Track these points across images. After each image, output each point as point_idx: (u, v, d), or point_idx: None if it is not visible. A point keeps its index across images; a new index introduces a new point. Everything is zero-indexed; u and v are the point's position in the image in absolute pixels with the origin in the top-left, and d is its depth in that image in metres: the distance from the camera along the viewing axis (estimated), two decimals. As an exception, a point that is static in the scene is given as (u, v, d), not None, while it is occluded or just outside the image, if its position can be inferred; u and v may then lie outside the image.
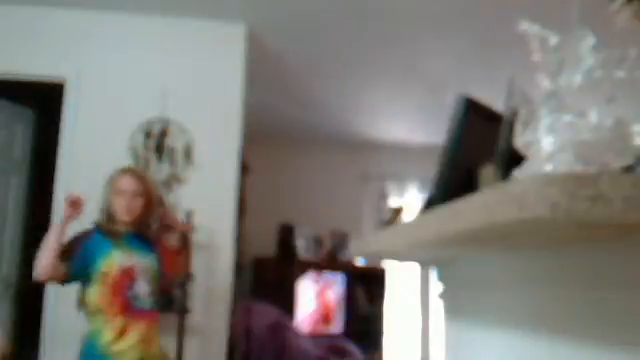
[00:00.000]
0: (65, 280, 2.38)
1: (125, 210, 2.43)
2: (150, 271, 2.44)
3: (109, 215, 2.45)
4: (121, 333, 2.33)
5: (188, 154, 3.33)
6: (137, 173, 2.58)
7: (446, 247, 1.08)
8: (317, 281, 5.43)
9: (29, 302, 3.70)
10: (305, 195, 5.80)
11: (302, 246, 5.52)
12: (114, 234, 2.43)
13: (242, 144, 3.48)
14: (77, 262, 2.36)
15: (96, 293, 2.35)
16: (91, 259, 2.36)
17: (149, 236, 2.52)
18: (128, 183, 2.45)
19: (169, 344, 2.90)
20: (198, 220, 3.11)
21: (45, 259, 2.27)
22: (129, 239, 2.45)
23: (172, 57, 3.45)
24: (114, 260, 2.37)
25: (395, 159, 5.94)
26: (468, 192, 0.81)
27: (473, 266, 1.41)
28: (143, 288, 2.40)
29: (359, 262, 5.48)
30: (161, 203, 2.71)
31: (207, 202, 3.27)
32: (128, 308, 2.36)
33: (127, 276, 2.37)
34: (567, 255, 0.95)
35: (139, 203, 2.46)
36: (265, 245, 5.47)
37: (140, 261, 2.42)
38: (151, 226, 2.53)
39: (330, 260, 5.57)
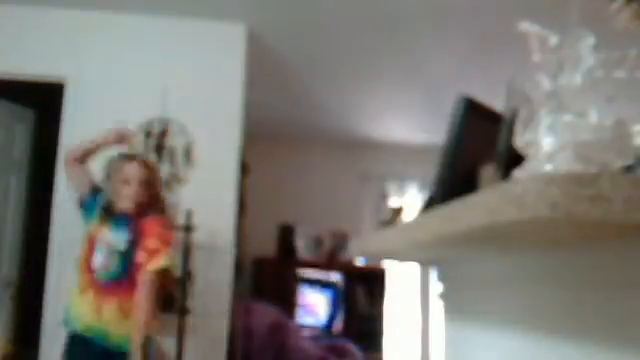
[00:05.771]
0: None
1: (129, 200, 2.30)
2: (112, 246, 2.30)
3: (109, 202, 2.33)
4: (96, 309, 2.26)
5: (188, 154, 3.33)
6: (145, 161, 2.45)
7: (446, 247, 1.08)
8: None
9: (29, 302, 3.70)
10: (305, 195, 5.79)
11: (302, 246, 5.52)
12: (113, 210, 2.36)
13: (242, 144, 3.48)
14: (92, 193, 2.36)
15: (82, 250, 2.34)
16: (92, 207, 2.35)
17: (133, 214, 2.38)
18: (136, 171, 2.32)
19: (169, 344, 2.90)
20: (198, 220, 3.11)
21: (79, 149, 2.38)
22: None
23: (172, 57, 3.45)
24: (91, 226, 2.33)
25: (395, 159, 5.93)
26: (468, 192, 0.81)
27: (473, 266, 1.41)
28: (100, 260, 2.28)
29: (359, 262, 5.48)
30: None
31: (207, 202, 3.27)
32: (94, 281, 2.28)
33: (90, 246, 2.30)
34: (567, 255, 0.95)
35: (145, 193, 2.33)
36: (265, 245, 5.47)
37: (106, 234, 2.30)
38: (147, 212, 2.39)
39: (330, 260, 5.56)
